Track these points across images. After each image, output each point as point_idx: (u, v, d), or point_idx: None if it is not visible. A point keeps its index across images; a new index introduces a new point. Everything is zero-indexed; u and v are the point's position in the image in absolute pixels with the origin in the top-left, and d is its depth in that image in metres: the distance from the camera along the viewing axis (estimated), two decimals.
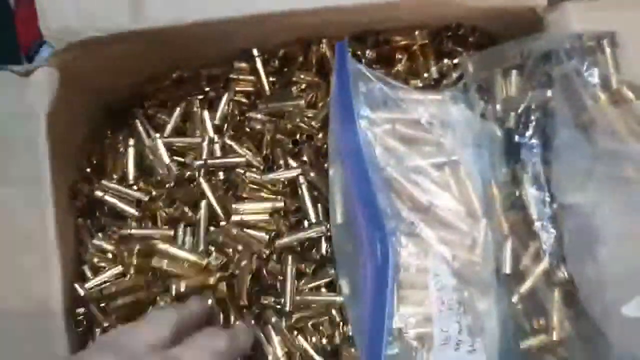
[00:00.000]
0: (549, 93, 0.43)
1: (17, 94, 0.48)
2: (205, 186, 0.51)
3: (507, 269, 0.46)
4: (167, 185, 0.52)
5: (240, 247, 0.49)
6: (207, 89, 0.58)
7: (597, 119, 0.40)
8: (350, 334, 0.48)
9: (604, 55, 0.43)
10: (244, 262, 0.49)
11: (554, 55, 0.43)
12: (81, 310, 0.49)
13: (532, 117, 0.44)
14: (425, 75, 0.53)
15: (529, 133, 0.44)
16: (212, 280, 0.47)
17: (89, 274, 0.51)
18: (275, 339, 0.48)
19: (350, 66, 0.43)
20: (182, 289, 0.46)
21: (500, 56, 0.48)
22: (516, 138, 0.44)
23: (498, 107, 0.46)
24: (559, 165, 0.41)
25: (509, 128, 0.46)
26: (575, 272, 0.43)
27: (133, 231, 0.51)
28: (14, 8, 0.97)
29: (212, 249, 0.50)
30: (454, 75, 0.53)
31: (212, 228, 0.51)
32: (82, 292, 0.49)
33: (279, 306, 0.48)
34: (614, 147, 0.38)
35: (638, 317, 0.37)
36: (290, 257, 0.48)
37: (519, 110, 0.45)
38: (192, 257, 0.48)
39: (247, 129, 0.55)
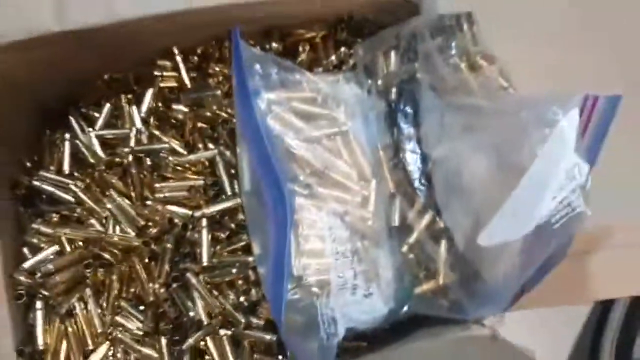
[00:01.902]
0: (416, 66, 0.50)
1: None
2: (132, 168, 0.56)
3: (396, 222, 0.52)
4: (98, 171, 0.58)
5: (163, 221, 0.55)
6: (135, 87, 0.64)
7: (451, 82, 0.47)
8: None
9: (462, 32, 0.50)
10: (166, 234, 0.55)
11: (419, 35, 0.51)
12: (21, 286, 0.54)
13: (405, 89, 0.51)
14: (326, 62, 0.60)
15: (402, 102, 0.51)
16: (136, 243, 0.53)
17: (29, 255, 0.57)
18: (198, 301, 0.54)
19: (244, 50, 0.50)
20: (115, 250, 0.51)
21: (381, 40, 0.55)
22: (393, 106, 0.51)
23: (379, 82, 0.53)
24: (424, 125, 0.48)
25: (389, 100, 0.53)
26: (448, 220, 0.50)
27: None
28: None
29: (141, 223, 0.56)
30: (351, 62, 0.60)
31: None
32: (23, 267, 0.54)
33: (196, 267, 0.53)
34: (459, 101, 0.45)
35: (490, 245, 0.44)
36: (204, 221, 0.54)
37: (396, 84, 0.52)
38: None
39: (172, 120, 0.62)
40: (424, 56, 0.49)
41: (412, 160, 0.51)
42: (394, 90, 0.53)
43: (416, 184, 0.50)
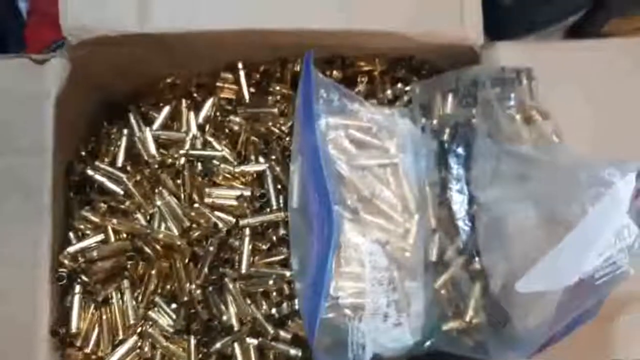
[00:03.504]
0: (474, 111, 0.53)
1: (33, 78, 0.56)
2: (186, 170, 0.59)
3: (434, 258, 0.54)
4: (151, 168, 0.60)
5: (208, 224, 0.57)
6: (195, 94, 0.67)
7: (507, 131, 0.49)
8: (297, 307, 0.56)
9: (521, 85, 0.53)
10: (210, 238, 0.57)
11: (480, 82, 0.53)
12: (63, 269, 0.56)
13: (459, 131, 0.53)
14: (381, 96, 0.63)
15: (456, 144, 0.53)
16: (179, 242, 0.55)
17: (74, 240, 0.59)
18: (231, 307, 0.55)
19: (314, 75, 0.52)
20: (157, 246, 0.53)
21: (440, 82, 0.57)
22: (446, 146, 0.53)
23: (435, 122, 0.56)
24: (475, 168, 0.50)
25: (442, 140, 0.55)
26: (487, 263, 0.52)
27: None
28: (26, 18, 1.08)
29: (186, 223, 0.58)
30: (405, 98, 0.62)
31: None
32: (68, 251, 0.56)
33: (234, 273, 0.55)
34: (515, 150, 0.47)
35: (527, 292, 0.45)
36: (247, 230, 0.55)
37: (451, 125, 0.54)
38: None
39: (226, 130, 0.64)
40: (483, 103, 0.52)
41: (458, 200, 0.52)
42: (447, 131, 0.55)
43: (459, 223, 0.52)
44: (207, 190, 0.59)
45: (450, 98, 0.56)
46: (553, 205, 0.45)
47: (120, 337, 0.56)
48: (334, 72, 0.63)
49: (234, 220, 0.58)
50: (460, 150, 0.53)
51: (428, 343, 0.55)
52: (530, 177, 0.46)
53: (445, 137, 0.55)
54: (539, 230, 0.46)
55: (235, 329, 0.54)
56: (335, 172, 0.53)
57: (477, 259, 0.51)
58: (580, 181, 0.41)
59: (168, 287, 0.57)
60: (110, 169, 0.61)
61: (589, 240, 0.40)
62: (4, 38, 1.00)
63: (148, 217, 0.59)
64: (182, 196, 0.59)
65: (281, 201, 0.59)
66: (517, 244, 0.48)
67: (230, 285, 0.55)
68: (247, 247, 0.56)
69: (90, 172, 0.61)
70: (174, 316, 0.56)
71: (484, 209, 0.50)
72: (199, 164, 0.61)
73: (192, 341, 0.54)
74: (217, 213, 0.58)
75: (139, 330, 0.56)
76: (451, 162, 0.53)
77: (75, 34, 0.56)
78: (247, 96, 0.65)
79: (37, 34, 1.05)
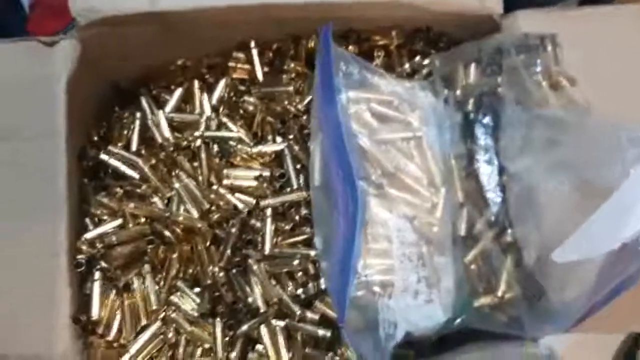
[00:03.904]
0: (499, 79, 0.51)
1: (42, 61, 0.55)
2: (203, 151, 0.57)
3: (462, 232, 0.53)
4: (166, 151, 0.58)
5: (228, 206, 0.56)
6: (206, 75, 0.65)
7: (536, 97, 0.48)
8: (323, 287, 0.55)
9: (546, 52, 0.51)
10: (231, 219, 0.55)
11: (505, 50, 0.52)
12: (82, 256, 0.55)
13: (485, 100, 0.52)
14: (399, 70, 0.61)
15: (482, 114, 0.52)
16: (200, 225, 0.53)
17: (90, 226, 0.57)
18: (256, 288, 0.54)
19: (333, 48, 0.51)
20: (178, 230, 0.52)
21: (461, 52, 0.56)
22: (472, 117, 0.52)
23: (458, 92, 0.54)
24: (504, 137, 0.49)
25: (466, 111, 0.53)
26: (519, 234, 0.50)
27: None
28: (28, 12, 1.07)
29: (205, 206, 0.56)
30: (424, 71, 0.61)
31: None
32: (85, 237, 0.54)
33: (258, 254, 0.53)
34: (546, 114, 0.46)
35: (564, 262, 0.44)
36: (269, 211, 0.54)
37: (475, 95, 0.53)
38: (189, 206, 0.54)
39: (241, 111, 0.63)
40: (509, 70, 0.50)
41: (487, 172, 0.51)
42: (471, 101, 0.54)
43: (489, 195, 0.51)
44: (225, 171, 0.57)
45: (472, 68, 0.55)
46: (589, 169, 0.43)
47: (143, 323, 0.54)
48: (350, 47, 0.61)
49: (253, 201, 0.57)
50: (486, 120, 0.52)
51: (459, 320, 0.54)
52: (564, 142, 0.45)
53: (470, 107, 0.53)
54: (574, 196, 0.45)
55: (262, 310, 0.53)
56: (358, 147, 0.52)
57: (508, 231, 0.50)
58: (620, 143, 0.40)
59: (190, 270, 0.56)
60: (124, 153, 0.60)
61: (630, 203, 0.39)
62: (5, 32, 0.98)
63: (165, 201, 0.58)
64: (200, 179, 0.58)
65: (301, 180, 0.58)
66: (550, 212, 0.46)
67: (255, 267, 0.54)
68: (269, 228, 0.55)
69: (104, 156, 0.59)
70: (197, 300, 0.55)
71: (515, 179, 0.49)
72: (215, 145, 0.60)
73: (218, 324, 0.53)
74: (236, 195, 0.57)
75: (162, 315, 0.55)
76: (478, 133, 0.52)
77: (84, 15, 0.54)
78: (260, 75, 0.63)
79: (41, 26, 1.04)
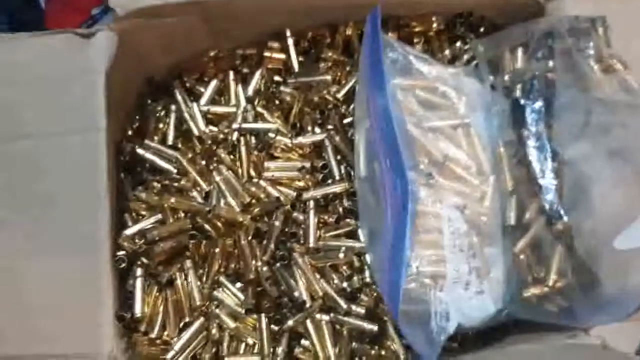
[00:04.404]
0: (551, 64, 0.49)
1: (80, 54, 0.53)
2: (242, 144, 0.56)
3: (512, 221, 0.51)
4: (204, 144, 0.57)
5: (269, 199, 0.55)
6: (240, 67, 0.64)
7: (591, 81, 0.46)
8: (368, 280, 0.54)
9: (597, 34, 0.50)
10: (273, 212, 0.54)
11: (556, 33, 0.50)
12: (122, 252, 0.53)
13: (536, 85, 0.50)
14: (440, 56, 0.60)
15: (532, 98, 0.50)
16: (241, 219, 0.52)
17: (129, 222, 0.56)
18: (301, 282, 0.53)
19: (381, 34, 0.49)
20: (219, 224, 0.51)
21: (507, 37, 0.54)
22: (521, 102, 0.50)
23: (506, 78, 0.53)
24: (559, 123, 0.47)
25: (515, 96, 0.52)
26: (573, 222, 0.49)
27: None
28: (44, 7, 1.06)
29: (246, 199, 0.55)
30: (465, 57, 0.59)
31: None
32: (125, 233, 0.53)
33: (302, 248, 0.52)
34: (603, 98, 0.44)
35: (626, 248, 0.42)
36: (312, 203, 0.53)
37: (524, 80, 0.51)
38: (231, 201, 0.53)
39: (277, 101, 0.61)
40: (562, 54, 0.49)
41: (538, 158, 0.49)
42: (520, 86, 0.52)
43: (540, 181, 0.49)
44: (265, 164, 0.56)
45: (520, 52, 0.53)
46: None
47: (187, 319, 0.54)
48: (389, 34, 0.60)
49: (294, 193, 0.56)
50: (537, 105, 0.50)
51: (506, 311, 0.53)
52: (623, 126, 0.43)
53: (519, 93, 0.52)
54: (634, 182, 0.44)
55: (307, 305, 0.52)
56: (406, 136, 0.50)
57: (564, 219, 0.48)
58: None
59: (232, 265, 0.55)
60: (161, 147, 0.59)
61: None
62: (23, 29, 0.96)
63: (204, 195, 0.57)
64: (240, 171, 0.57)
65: (343, 171, 0.56)
66: (608, 199, 0.45)
67: (299, 260, 0.52)
68: (313, 221, 0.53)
69: (140, 151, 0.58)
70: (240, 295, 0.54)
71: (570, 165, 0.47)
72: (253, 137, 0.59)
73: (264, 319, 0.52)
74: (277, 187, 0.56)
75: (205, 311, 0.54)
76: (528, 119, 0.50)
77: (122, 5, 0.53)
78: (296, 65, 0.62)
79: (60, 21, 1.03)
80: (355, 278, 0.53)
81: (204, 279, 0.54)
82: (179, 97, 0.62)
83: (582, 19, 0.51)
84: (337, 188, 0.55)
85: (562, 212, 0.48)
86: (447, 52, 0.60)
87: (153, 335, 0.53)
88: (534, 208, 0.50)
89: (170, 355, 0.52)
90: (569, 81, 0.47)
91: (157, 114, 0.62)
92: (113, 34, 0.54)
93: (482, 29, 0.60)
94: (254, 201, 0.55)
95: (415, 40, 0.61)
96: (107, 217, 0.51)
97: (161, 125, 0.61)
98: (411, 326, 0.48)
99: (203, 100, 0.61)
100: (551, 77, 0.50)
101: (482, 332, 0.55)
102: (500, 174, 0.52)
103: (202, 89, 0.63)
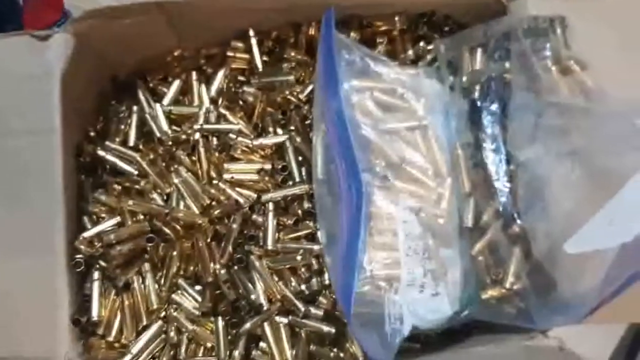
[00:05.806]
0: (507, 65, 0.49)
1: (36, 56, 0.53)
2: (201, 145, 0.56)
3: (470, 223, 0.51)
4: (165, 145, 0.57)
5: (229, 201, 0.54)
6: (204, 66, 0.64)
7: (546, 83, 0.46)
8: (327, 282, 0.53)
9: (555, 35, 0.49)
10: (232, 215, 0.54)
11: (513, 34, 0.49)
12: (80, 255, 0.53)
13: (492, 87, 0.50)
14: (403, 56, 0.59)
15: (489, 100, 0.50)
16: (200, 221, 0.52)
17: (88, 225, 0.56)
18: (259, 284, 0.52)
19: (335, 35, 0.49)
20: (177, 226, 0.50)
21: (467, 37, 0.54)
22: (479, 104, 0.50)
23: (464, 79, 0.52)
24: (513, 125, 0.47)
25: (473, 98, 0.52)
26: (528, 224, 0.49)
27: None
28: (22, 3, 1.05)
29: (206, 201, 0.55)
30: (429, 57, 0.59)
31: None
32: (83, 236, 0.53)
33: (260, 250, 0.52)
34: (558, 102, 0.44)
35: (576, 252, 0.42)
36: (271, 205, 0.53)
37: (482, 81, 0.51)
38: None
39: (241, 102, 0.61)
40: (518, 55, 0.48)
41: (494, 161, 0.49)
42: (478, 88, 0.52)
43: (496, 184, 0.49)
44: (225, 165, 0.56)
45: (479, 53, 0.53)
46: (603, 156, 0.41)
47: (144, 322, 0.53)
48: (352, 34, 0.59)
49: (255, 195, 0.55)
50: (494, 107, 0.50)
51: (466, 313, 0.53)
52: (576, 129, 0.43)
53: (477, 94, 0.51)
54: (586, 186, 0.43)
55: (265, 307, 0.52)
56: (361, 138, 0.50)
57: (517, 221, 0.48)
58: (634, 130, 0.38)
59: (191, 268, 0.55)
60: (122, 148, 0.58)
61: None
62: (1, 26, 0.96)
63: (165, 197, 0.57)
64: (200, 173, 0.56)
65: (304, 173, 0.56)
66: (561, 202, 0.45)
67: (257, 263, 0.52)
68: (271, 223, 0.53)
69: (101, 152, 0.58)
70: (198, 298, 0.53)
71: (524, 168, 0.47)
72: (215, 138, 0.58)
73: (220, 323, 0.52)
74: (237, 189, 0.55)
75: (163, 314, 0.54)
76: (485, 121, 0.50)
77: (77, 5, 0.52)
78: (260, 65, 0.61)
79: (37, 18, 1.02)
80: (314, 280, 0.53)
81: (163, 281, 0.54)
82: (142, 98, 0.61)
83: (540, 20, 0.50)
84: (297, 190, 0.55)
85: (516, 215, 0.48)
86: (410, 52, 0.59)
87: (110, 339, 0.53)
88: (490, 210, 0.50)
89: (127, 358, 0.51)
90: (523, 83, 0.47)
91: (120, 115, 0.62)
92: (69, 36, 0.53)
93: (447, 29, 0.60)
94: (213, 203, 0.55)
95: (379, 40, 0.60)
96: (63, 219, 0.51)
97: (123, 126, 0.61)
98: (365, 329, 0.48)
99: (166, 101, 0.61)
100: (508, 79, 0.49)
101: (446, 334, 0.55)
102: (458, 176, 0.51)
103: (165, 90, 0.62)
